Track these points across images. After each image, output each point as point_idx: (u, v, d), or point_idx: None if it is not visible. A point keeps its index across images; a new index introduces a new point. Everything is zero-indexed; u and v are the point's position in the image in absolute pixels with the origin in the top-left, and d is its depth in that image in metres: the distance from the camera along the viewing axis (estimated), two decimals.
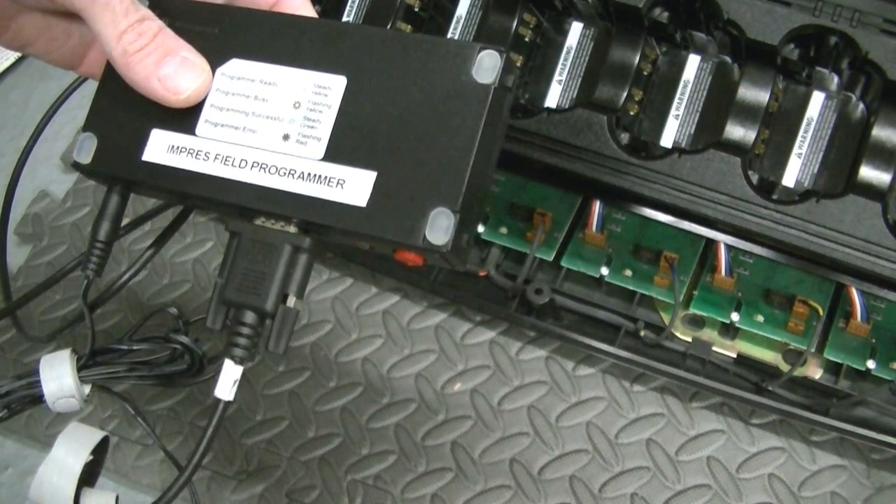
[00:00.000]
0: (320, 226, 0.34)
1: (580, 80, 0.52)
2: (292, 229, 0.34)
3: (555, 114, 0.50)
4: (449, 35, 0.54)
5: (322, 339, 0.58)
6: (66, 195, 0.66)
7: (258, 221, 0.34)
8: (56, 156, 0.68)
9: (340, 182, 0.33)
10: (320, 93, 0.34)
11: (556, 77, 0.52)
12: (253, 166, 0.34)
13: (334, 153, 0.34)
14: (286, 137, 0.34)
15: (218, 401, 0.34)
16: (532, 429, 0.54)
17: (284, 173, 0.34)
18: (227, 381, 0.34)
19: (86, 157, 0.37)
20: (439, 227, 0.32)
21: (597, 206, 0.53)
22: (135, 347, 0.41)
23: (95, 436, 0.38)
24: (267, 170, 0.34)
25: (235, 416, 0.56)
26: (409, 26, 0.53)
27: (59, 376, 0.39)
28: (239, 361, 0.34)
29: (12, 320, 0.48)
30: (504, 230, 0.55)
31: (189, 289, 0.61)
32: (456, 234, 0.32)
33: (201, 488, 0.54)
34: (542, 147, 0.50)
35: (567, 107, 0.51)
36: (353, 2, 0.55)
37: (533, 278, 0.54)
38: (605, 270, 0.53)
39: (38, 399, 0.39)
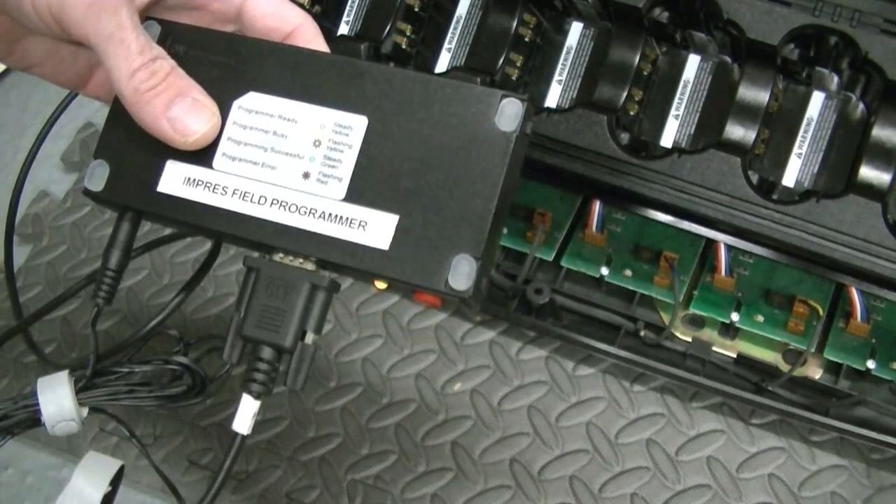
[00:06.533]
0: (341, 266, 0.34)
1: (580, 80, 0.52)
2: (310, 266, 0.34)
3: (555, 114, 0.50)
4: (448, 36, 0.54)
5: (322, 339, 0.58)
6: (66, 195, 0.66)
7: (276, 257, 0.34)
8: (56, 156, 0.67)
9: (362, 224, 0.33)
10: (341, 132, 0.34)
11: (556, 77, 0.52)
12: (272, 203, 0.34)
13: (356, 194, 0.34)
14: (306, 176, 0.34)
15: (235, 434, 0.34)
16: (532, 429, 0.54)
17: (305, 212, 0.34)
18: (246, 415, 0.34)
19: (97, 185, 0.37)
20: (461, 273, 0.32)
21: (597, 206, 0.53)
22: (136, 370, 0.40)
23: (113, 466, 0.38)
24: (287, 208, 0.34)
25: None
26: (409, 26, 0.53)
27: (57, 399, 0.38)
28: (257, 396, 0.34)
29: (24, 338, 0.48)
30: (504, 230, 0.55)
31: None
32: (477, 279, 0.32)
33: (201, 488, 0.54)
34: (542, 147, 0.50)
35: (567, 107, 0.51)
36: (353, 2, 0.55)
37: (533, 278, 0.54)
38: (605, 270, 0.53)
39: (37, 422, 0.39)
